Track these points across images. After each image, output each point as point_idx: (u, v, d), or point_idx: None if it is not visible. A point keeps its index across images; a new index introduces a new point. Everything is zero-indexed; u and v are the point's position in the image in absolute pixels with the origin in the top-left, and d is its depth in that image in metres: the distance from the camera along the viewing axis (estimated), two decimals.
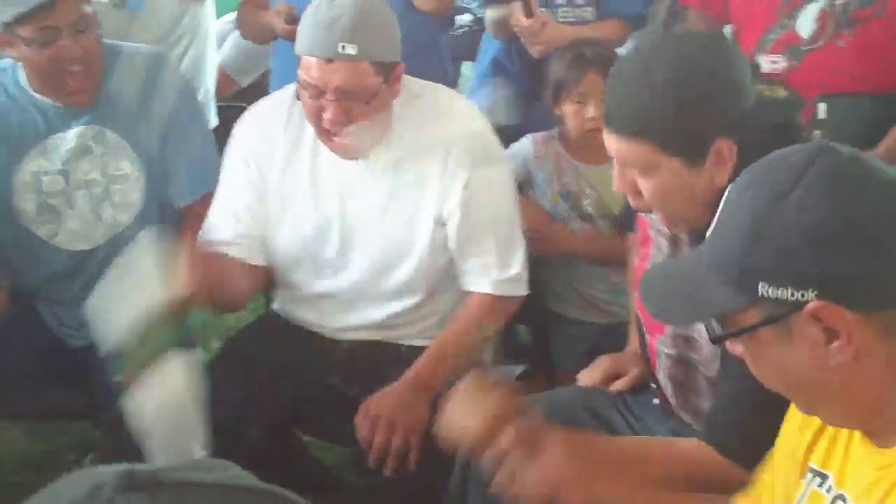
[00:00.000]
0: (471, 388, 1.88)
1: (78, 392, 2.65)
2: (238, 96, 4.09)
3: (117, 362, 2.18)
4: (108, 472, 0.74)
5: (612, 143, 1.84)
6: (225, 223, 2.48)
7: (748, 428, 1.75)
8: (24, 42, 2.44)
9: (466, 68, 4.69)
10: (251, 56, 4.07)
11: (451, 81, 3.46)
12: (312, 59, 2.26)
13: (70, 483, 0.76)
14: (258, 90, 4.34)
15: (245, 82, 4.25)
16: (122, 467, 0.75)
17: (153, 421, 2.12)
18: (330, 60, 2.23)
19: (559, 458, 1.76)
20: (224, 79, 3.87)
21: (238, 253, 2.46)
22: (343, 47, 2.21)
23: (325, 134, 2.33)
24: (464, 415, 1.84)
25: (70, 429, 3.34)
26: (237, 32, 4.13)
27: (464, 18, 4.58)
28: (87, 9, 2.48)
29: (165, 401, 2.13)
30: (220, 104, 3.52)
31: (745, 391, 1.69)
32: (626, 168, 1.84)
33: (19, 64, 2.56)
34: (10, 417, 2.81)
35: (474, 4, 4.58)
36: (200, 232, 2.51)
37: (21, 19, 2.40)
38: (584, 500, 1.76)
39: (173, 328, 2.16)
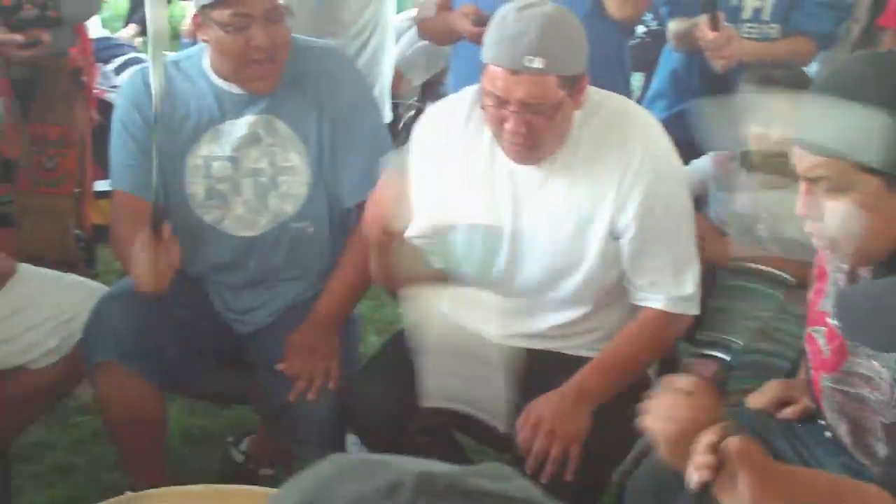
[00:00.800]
0: (673, 389, 1.82)
1: (241, 377, 2.71)
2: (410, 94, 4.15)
3: None
4: (406, 469, 0.74)
5: (806, 161, 1.78)
6: None
7: None
8: (217, 26, 2.49)
9: (635, 79, 4.65)
10: (426, 55, 4.11)
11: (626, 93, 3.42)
12: (498, 70, 2.24)
13: (366, 471, 0.76)
14: (430, 89, 4.39)
15: (418, 81, 4.30)
16: (420, 467, 0.75)
17: None
18: (515, 72, 2.21)
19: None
20: (397, 76, 3.91)
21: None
22: (530, 60, 2.19)
23: (502, 139, 2.32)
24: (666, 413, 1.79)
25: (227, 410, 3.42)
26: (413, 31, 4.18)
27: (636, 30, 4.54)
28: (282, 0, 2.52)
29: None
30: (393, 101, 3.55)
31: None
32: (815, 188, 1.79)
33: (206, 50, 2.62)
34: (174, 394, 2.88)
35: (648, 16, 4.54)
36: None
37: (218, 4, 2.46)
38: None
39: None
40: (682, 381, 1.80)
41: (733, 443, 1.64)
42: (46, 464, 3.15)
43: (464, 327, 2.34)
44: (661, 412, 1.77)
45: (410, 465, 0.76)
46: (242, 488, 2.20)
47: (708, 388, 1.84)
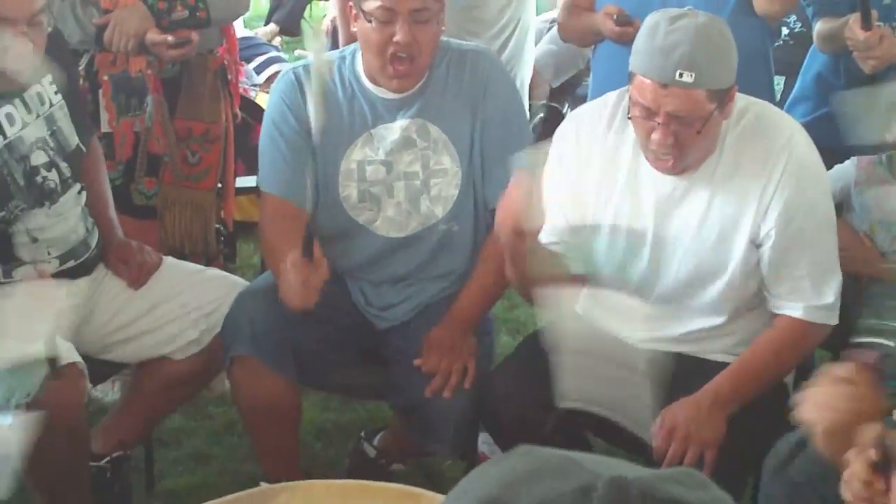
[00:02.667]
0: (837, 377, 1.77)
1: (377, 373, 2.73)
2: (548, 96, 4.13)
3: None
4: (598, 471, 0.71)
5: None
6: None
7: None
8: (365, 17, 2.51)
9: (776, 83, 4.55)
10: (564, 58, 4.10)
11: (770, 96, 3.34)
12: (647, 81, 2.22)
13: (558, 471, 0.72)
14: (567, 91, 4.38)
15: (555, 83, 4.28)
16: (612, 470, 0.71)
17: None
18: (665, 86, 2.20)
19: None
20: (535, 78, 3.90)
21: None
22: (680, 75, 2.18)
23: (651, 151, 2.31)
24: (824, 402, 1.74)
25: (360, 406, 3.46)
26: (552, 33, 4.16)
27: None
28: (434, 2, 2.51)
29: None
30: (533, 102, 3.55)
31: None
32: None
33: (358, 52, 2.65)
34: (310, 388, 2.92)
35: (791, 18, 4.44)
36: None
37: None
38: None
39: None
40: (842, 369, 1.75)
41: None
42: (184, 451, 3.23)
43: (605, 330, 2.31)
44: (819, 401, 1.72)
45: (602, 468, 0.72)
46: (386, 485, 2.21)
47: (869, 377, 1.78)
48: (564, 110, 4.12)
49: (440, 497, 2.09)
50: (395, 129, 2.64)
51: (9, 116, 2.54)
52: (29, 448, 2.45)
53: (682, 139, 2.24)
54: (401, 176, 2.66)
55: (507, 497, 0.71)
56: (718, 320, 2.45)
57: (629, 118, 2.31)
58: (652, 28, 2.24)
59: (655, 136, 2.24)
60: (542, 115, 4.26)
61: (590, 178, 2.45)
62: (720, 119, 2.28)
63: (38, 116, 2.60)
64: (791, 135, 2.37)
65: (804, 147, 2.37)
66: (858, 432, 1.65)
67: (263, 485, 2.66)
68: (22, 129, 2.56)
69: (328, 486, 2.22)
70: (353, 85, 2.65)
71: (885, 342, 2.61)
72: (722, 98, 2.24)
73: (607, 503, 0.68)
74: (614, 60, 2.91)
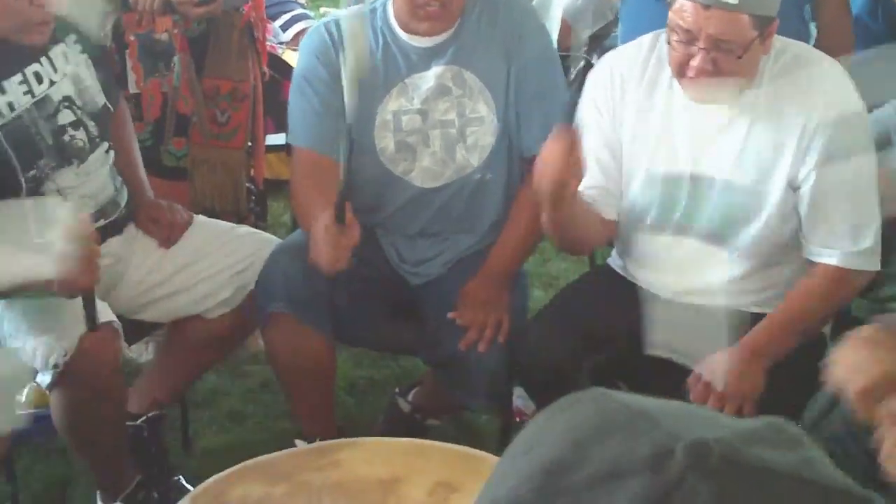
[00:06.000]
0: (868, 338, 1.74)
1: (412, 328, 2.72)
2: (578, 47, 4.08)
3: None
4: (676, 432, 0.64)
5: None
6: None
7: None
8: None
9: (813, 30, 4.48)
10: (595, 7, 4.04)
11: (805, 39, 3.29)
12: (688, 3, 2.19)
13: (631, 428, 0.66)
14: (597, 42, 4.32)
15: (586, 34, 4.23)
16: (691, 431, 0.64)
17: None
18: (708, 7, 2.16)
19: None
20: (565, 29, 3.86)
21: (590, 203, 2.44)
22: None
23: (685, 77, 2.27)
24: (854, 364, 1.72)
25: (394, 361, 3.45)
26: None
27: None
28: None
29: None
30: (561, 54, 3.50)
31: None
32: None
33: (388, 1, 2.63)
34: (344, 344, 2.91)
35: None
36: None
37: None
38: None
39: None
40: (869, 330, 1.72)
41: None
42: (220, 410, 3.24)
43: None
44: (849, 363, 1.70)
45: (680, 427, 0.65)
46: (445, 445, 2.20)
47: None
48: (593, 61, 4.07)
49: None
50: (429, 78, 2.62)
51: (36, 74, 2.53)
52: (66, 408, 2.48)
53: (722, 66, 2.21)
54: (437, 125, 2.63)
55: (574, 459, 0.65)
56: (754, 266, 2.41)
57: (668, 43, 2.27)
58: None
59: (694, 62, 2.21)
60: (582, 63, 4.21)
61: (625, 122, 2.43)
62: (760, 51, 2.24)
63: (64, 75, 2.59)
64: (831, 75, 2.33)
65: (844, 88, 2.33)
66: (887, 397, 1.63)
67: (299, 442, 2.67)
68: (49, 87, 2.55)
69: (389, 443, 2.22)
70: (386, 35, 2.63)
71: None
72: (764, 26, 2.20)
73: (684, 471, 0.62)
74: (642, 8, 2.88)
